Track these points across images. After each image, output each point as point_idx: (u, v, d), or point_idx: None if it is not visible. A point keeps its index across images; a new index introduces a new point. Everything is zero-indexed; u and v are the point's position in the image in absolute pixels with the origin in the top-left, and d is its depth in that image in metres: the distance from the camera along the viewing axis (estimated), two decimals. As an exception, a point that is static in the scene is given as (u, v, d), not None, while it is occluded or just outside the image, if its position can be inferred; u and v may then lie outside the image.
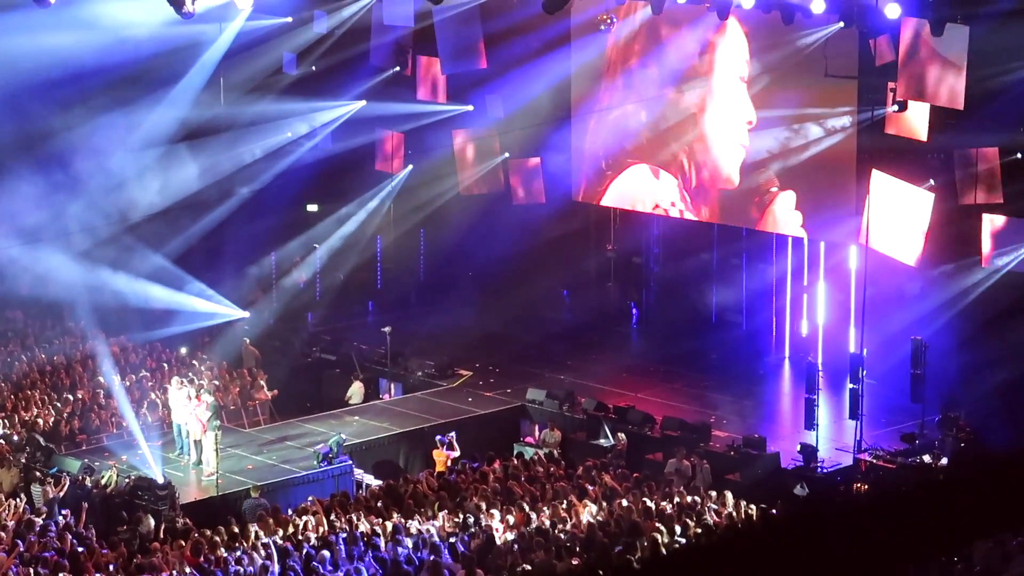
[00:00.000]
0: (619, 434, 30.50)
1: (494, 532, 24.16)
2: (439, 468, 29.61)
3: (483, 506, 25.43)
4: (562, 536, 23.98)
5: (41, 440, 29.19)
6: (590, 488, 26.75)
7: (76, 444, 30.48)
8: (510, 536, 24.12)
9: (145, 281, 36.24)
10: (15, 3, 26.76)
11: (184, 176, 37.44)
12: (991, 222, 30.03)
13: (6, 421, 30.67)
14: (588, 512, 25.28)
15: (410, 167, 39.30)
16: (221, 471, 28.84)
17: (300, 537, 24.21)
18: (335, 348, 36.97)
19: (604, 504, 25.69)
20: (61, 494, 26.81)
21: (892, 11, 26.90)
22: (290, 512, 25.97)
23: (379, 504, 26.26)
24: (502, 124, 37.60)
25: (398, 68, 37.37)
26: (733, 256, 37.71)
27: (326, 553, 23.16)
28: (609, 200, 38.36)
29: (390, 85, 38.65)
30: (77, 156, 36.18)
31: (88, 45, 34.01)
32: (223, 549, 23.70)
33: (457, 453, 29.87)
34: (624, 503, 25.48)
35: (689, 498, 26.13)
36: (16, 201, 35.91)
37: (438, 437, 30.48)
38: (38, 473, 27.75)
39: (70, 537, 24.43)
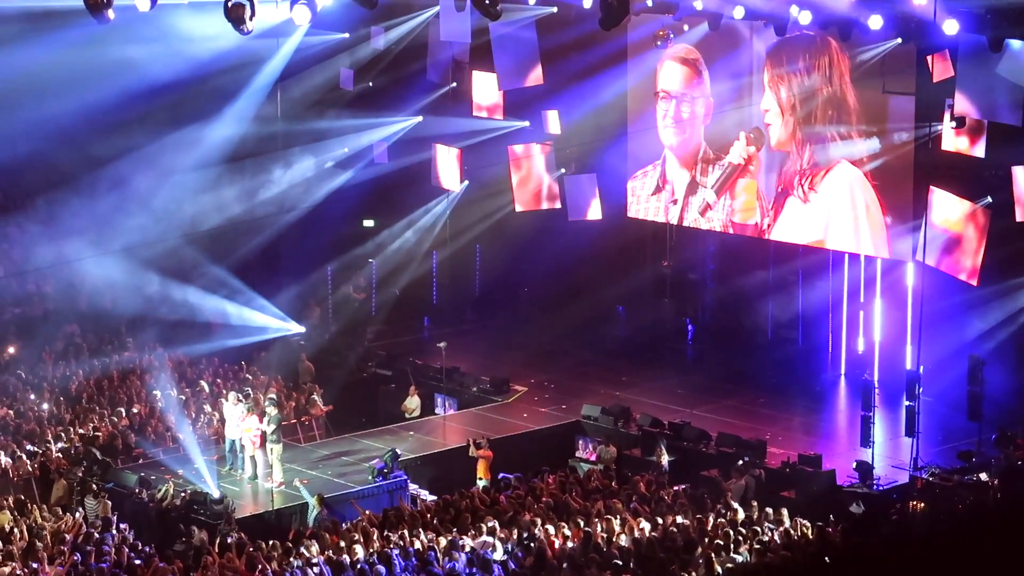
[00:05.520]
0: (657, 449, 30.43)
1: (547, 548, 24.10)
2: (482, 472, 29.94)
3: (538, 521, 25.41)
4: (616, 552, 23.91)
5: (98, 454, 29.38)
6: (644, 505, 26.69)
7: (133, 458, 30.65)
8: (564, 552, 24.06)
9: (202, 295, 36.47)
10: (78, 20, 26.97)
11: (242, 191, 37.66)
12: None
13: (64, 435, 30.88)
14: (642, 528, 25.19)
15: (466, 183, 39.35)
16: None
17: (355, 552, 24.22)
18: (390, 363, 37.04)
19: (659, 520, 25.61)
20: (109, 513, 26.92)
21: (950, 27, 26.70)
22: (345, 526, 26.02)
23: (434, 519, 26.27)
24: (558, 140, 37.61)
25: (455, 84, 37.39)
26: (789, 273, 37.53)
27: (381, 569, 23.17)
28: (662, 214, 38.34)
29: (447, 101, 38.75)
30: (136, 171, 36.45)
31: (150, 62, 34.27)
32: (277, 563, 23.77)
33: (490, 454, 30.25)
34: (680, 519, 25.41)
35: (743, 515, 26.02)
36: (77, 216, 36.20)
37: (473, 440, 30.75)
38: (94, 486, 27.95)
39: (127, 551, 24.57)
